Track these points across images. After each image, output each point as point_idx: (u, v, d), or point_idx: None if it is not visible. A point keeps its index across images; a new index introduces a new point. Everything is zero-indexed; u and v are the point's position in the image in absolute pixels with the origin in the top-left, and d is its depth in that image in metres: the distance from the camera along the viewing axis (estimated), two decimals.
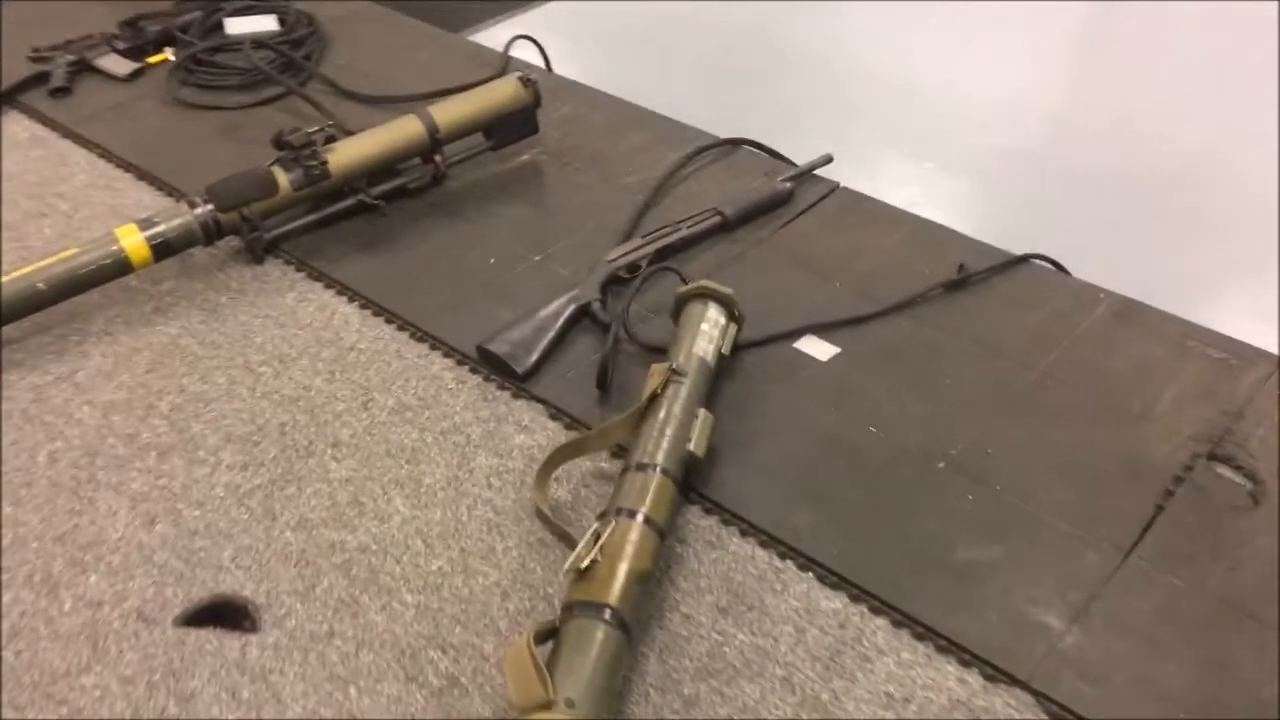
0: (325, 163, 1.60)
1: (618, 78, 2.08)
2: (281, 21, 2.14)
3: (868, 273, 1.55)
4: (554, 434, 1.33)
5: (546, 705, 0.94)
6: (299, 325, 1.50)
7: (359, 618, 1.13)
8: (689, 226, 1.59)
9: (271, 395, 1.39)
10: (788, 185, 1.68)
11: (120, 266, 1.50)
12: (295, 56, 2.06)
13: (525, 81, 1.74)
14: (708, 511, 1.23)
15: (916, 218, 1.68)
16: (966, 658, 1.06)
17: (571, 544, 1.16)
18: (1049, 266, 1.57)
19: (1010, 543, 1.17)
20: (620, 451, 1.27)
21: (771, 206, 1.67)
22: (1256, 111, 2.44)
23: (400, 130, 1.67)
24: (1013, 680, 1.04)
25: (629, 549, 1.08)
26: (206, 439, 1.34)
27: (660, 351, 1.38)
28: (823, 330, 1.45)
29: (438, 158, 1.71)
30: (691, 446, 1.21)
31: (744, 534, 1.20)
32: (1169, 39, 2.83)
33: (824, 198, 1.70)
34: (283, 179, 1.58)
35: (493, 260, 1.60)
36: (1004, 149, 2.43)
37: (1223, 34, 2.84)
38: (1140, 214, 2.20)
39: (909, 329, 1.46)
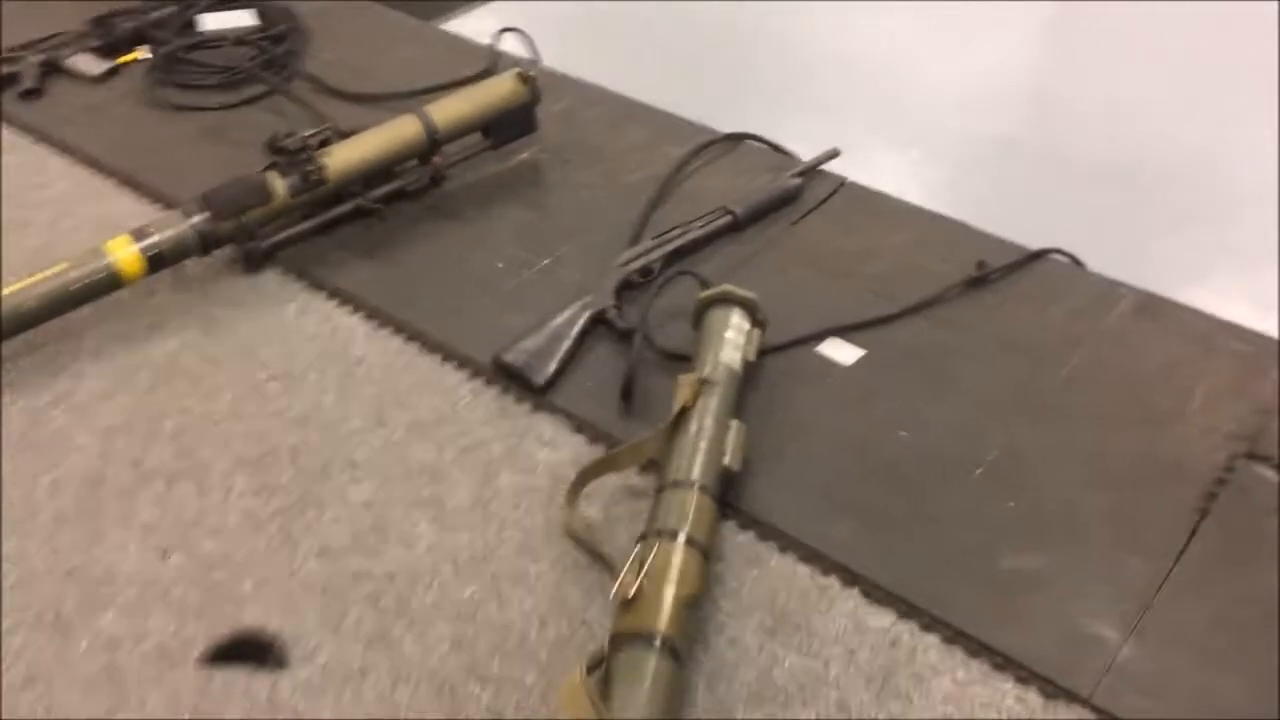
0: (323, 167, 1.54)
1: (591, 65, 2.02)
2: (260, 16, 2.07)
3: (883, 271, 1.52)
4: (578, 448, 1.29)
5: None
6: (303, 338, 1.45)
7: (392, 651, 1.09)
8: (700, 227, 1.56)
9: (281, 414, 1.34)
10: (796, 181, 1.65)
11: (113, 280, 1.43)
12: (277, 53, 1.99)
13: (524, 78, 1.68)
14: (743, 526, 1.20)
15: (926, 212, 1.65)
16: (1024, 674, 1.04)
17: (607, 565, 1.13)
18: (1065, 261, 1.55)
19: (1056, 551, 1.15)
20: (650, 466, 1.23)
21: (781, 204, 1.63)
22: (1251, 97, 2.44)
23: (398, 131, 1.61)
24: (1073, 697, 1.02)
25: (674, 573, 1.05)
26: (216, 463, 1.28)
27: (681, 359, 1.35)
28: (844, 333, 1.42)
29: (436, 159, 1.65)
30: (727, 460, 1.18)
31: (783, 549, 1.17)
32: (1154, 26, 2.81)
33: (832, 194, 1.67)
34: (279, 185, 1.52)
35: (500, 265, 1.55)
36: (991, 135, 2.40)
37: (1210, 19, 2.82)
38: (1134, 200, 2.18)
39: (931, 329, 1.43)
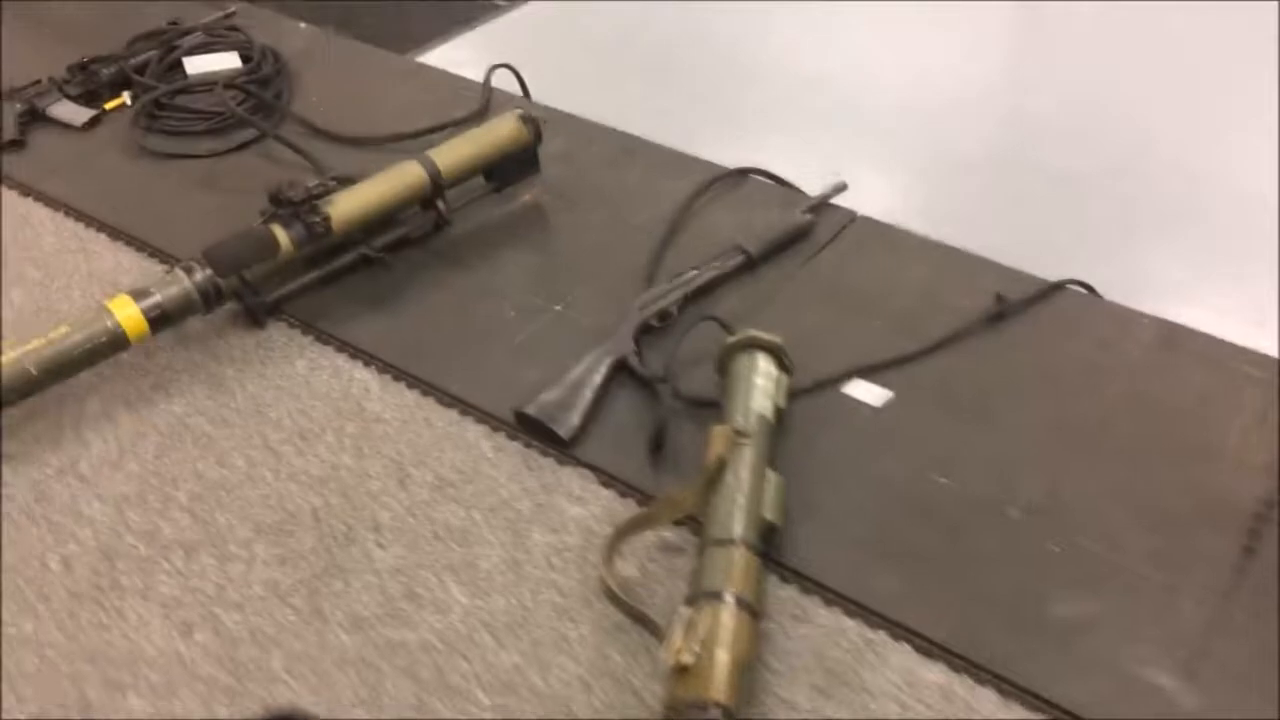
0: (328, 218, 1.50)
1: (564, 94, 2.00)
2: (245, 59, 2.02)
3: (902, 308, 1.51)
4: (608, 503, 1.26)
5: None
6: (315, 395, 1.41)
7: None
8: (715, 267, 1.53)
9: (298, 477, 1.30)
10: (808, 217, 1.63)
11: (116, 343, 1.39)
12: (265, 96, 1.94)
13: (526, 119, 1.65)
14: (785, 580, 1.17)
15: (937, 245, 1.63)
16: None
17: (651, 627, 1.10)
18: (1082, 290, 1.54)
19: (1105, 595, 1.13)
20: (685, 520, 1.20)
21: (793, 240, 1.61)
22: (1242, 101, 2.43)
23: (401, 177, 1.58)
24: None
25: (727, 636, 1.02)
26: (235, 531, 1.24)
27: (707, 406, 1.32)
28: (869, 373, 1.40)
29: (440, 204, 1.62)
30: (768, 514, 1.15)
31: (828, 603, 1.15)
32: (1120, 28, 2.80)
33: (844, 228, 1.65)
34: (284, 238, 1.48)
35: (511, 314, 1.51)
36: (963, 148, 2.37)
37: (1180, 16, 2.82)
38: (1120, 212, 2.16)
39: (955, 366, 1.41)
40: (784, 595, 1.16)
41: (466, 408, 1.38)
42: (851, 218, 1.67)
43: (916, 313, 1.49)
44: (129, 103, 1.98)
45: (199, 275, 1.44)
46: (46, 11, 2.31)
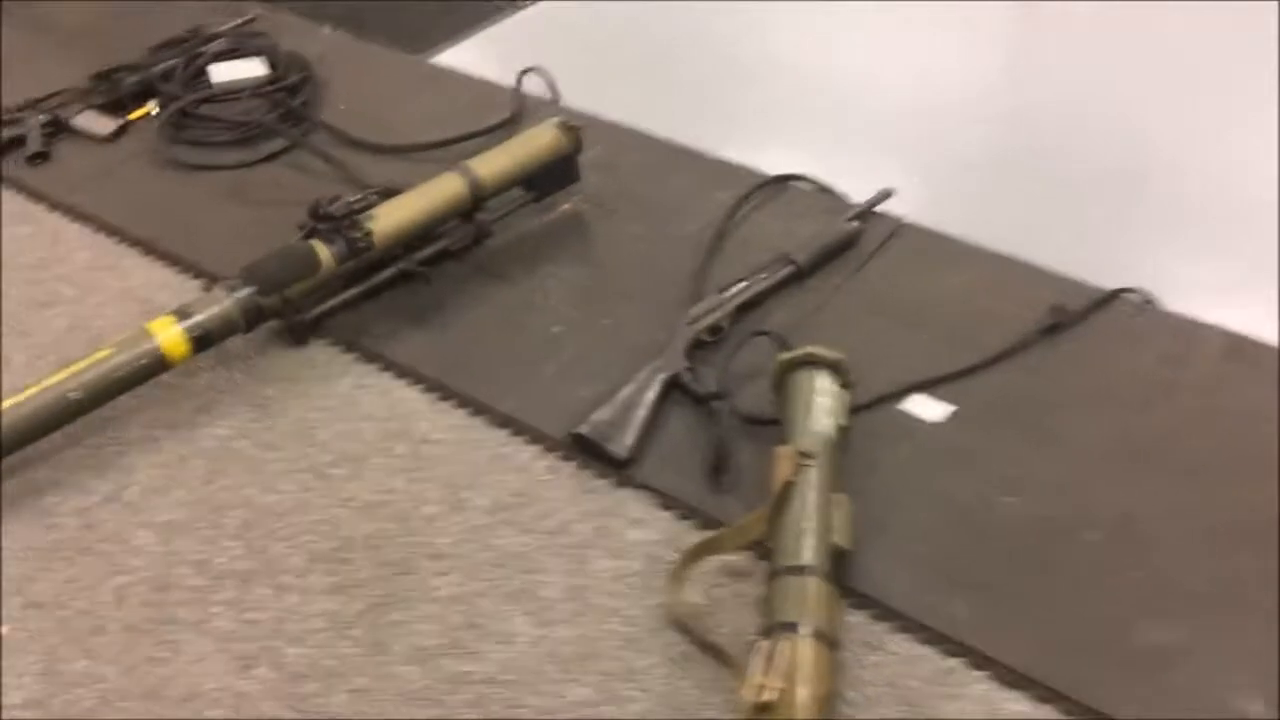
0: (370, 233, 1.47)
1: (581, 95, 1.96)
2: (271, 65, 1.99)
3: (955, 318, 1.48)
4: (668, 525, 1.24)
5: None
6: (361, 416, 1.38)
7: None
8: (764, 279, 1.50)
9: (350, 502, 1.27)
10: (855, 225, 1.60)
11: (159, 364, 1.35)
12: (293, 105, 1.91)
13: (566, 127, 1.62)
14: (855, 606, 1.15)
15: (985, 251, 1.60)
16: None
17: (721, 657, 1.07)
18: (1139, 299, 1.50)
19: (1190, 622, 1.10)
20: (751, 545, 1.17)
21: (841, 250, 1.58)
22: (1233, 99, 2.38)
23: (442, 189, 1.54)
24: None
25: (808, 670, 0.99)
26: (289, 560, 1.21)
27: (763, 424, 1.29)
28: (928, 387, 1.37)
29: (480, 215, 1.59)
30: (837, 540, 1.12)
31: (901, 630, 1.12)
32: (1123, 26, 2.75)
33: (890, 236, 1.62)
34: (325, 254, 1.45)
35: (556, 330, 1.48)
36: (973, 146, 2.32)
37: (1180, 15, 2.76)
38: (1140, 210, 2.11)
39: (1015, 380, 1.38)
40: (854, 621, 1.13)
41: (518, 427, 1.35)
42: (897, 225, 1.63)
43: (970, 323, 1.46)
44: (154, 112, 1.94)
45: (241, 293, 1.41)
46: (45, 14, 2.27)
